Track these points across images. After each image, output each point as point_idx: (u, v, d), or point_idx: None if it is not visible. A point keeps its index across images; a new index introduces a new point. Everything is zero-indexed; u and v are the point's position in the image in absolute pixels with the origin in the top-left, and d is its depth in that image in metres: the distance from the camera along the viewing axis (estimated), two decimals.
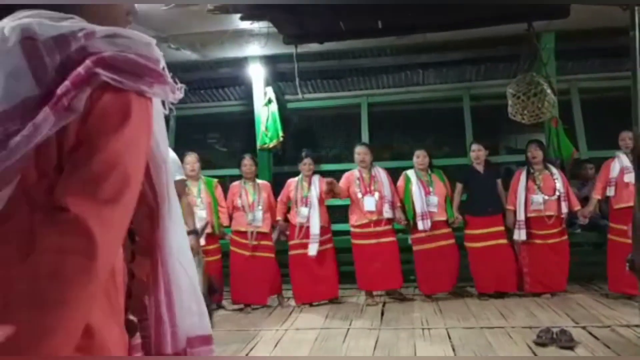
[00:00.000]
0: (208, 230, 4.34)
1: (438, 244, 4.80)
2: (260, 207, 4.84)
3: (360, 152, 4.92)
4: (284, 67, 5.61)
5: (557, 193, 4.70)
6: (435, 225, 4.77)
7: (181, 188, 3.02)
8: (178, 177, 2.86)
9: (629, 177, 4.43)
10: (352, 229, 4.89)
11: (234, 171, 5.43)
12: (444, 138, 5.12)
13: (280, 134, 5.49)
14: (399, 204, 4.88)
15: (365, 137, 6.01)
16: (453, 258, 4.83)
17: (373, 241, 4.80)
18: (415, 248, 4.87)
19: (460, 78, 5.85)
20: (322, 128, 6.54)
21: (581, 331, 3.69)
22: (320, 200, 4.83)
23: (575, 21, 4.31)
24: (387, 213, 4.79)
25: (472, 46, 5.33)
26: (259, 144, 5.59)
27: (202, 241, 4.21)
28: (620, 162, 4.58)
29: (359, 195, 4.81)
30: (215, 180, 5.00)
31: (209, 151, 6.52)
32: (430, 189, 4.83)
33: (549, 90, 3.33)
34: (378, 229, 4.79)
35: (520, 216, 4.70)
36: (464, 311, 4.42)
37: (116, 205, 0.64)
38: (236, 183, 5.02)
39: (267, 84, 5.62)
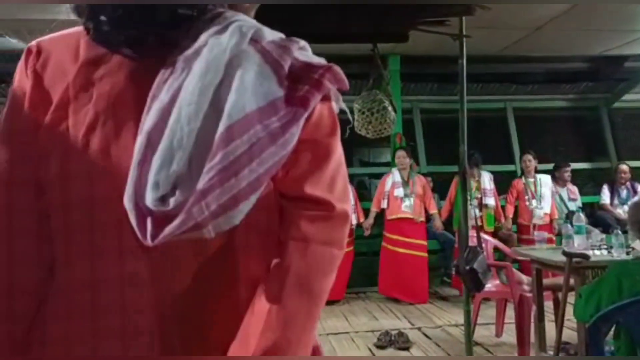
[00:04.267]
0: None
1: None
2: None
3: None
4: None
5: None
6: None
7: None
8: None
9: (398, 192, 5.01)
10: None
11: None
12: None
13: None
14: None
15: None
16: None
17: None
18: None
19: None
20: None
21: (416, 332, 3.98)
22: None
23: (418, 47, 4.71)
24: None
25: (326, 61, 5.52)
26: None
27: None
28: (393, 177, 5.11)
29: None
30: None
31: None
32: None
33: (390, 108, 3.56)
34: None
35: None
36: None
37: (348, 204, 0.70)
38: None
39: None
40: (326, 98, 0.67)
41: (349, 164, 6.53)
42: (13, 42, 4.47)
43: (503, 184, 5.64)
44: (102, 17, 0.64)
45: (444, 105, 6.29)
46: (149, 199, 0.57)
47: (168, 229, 0.57)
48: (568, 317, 2.77)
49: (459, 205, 5.19)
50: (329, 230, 0.67)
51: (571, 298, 2.58)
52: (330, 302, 5.03)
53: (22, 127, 0.67)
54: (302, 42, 0.68)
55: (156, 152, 0.58)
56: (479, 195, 5.17)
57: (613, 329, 1.93)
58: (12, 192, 0.66)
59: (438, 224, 5.22)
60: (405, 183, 5.06)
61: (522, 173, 5.51)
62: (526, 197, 5.29)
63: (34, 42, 0.71)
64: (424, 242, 5.04)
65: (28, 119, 0.67)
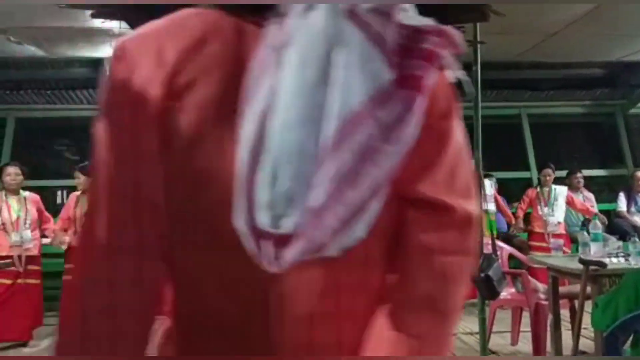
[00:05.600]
0: None
1: None
2: (27, 225, 4.12)
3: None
4: None
5: None
6: None
7: None
8: None
9: None
10: None
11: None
12: None
13: None
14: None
15: None
16: None
17: None
18: None
19: None
20: None
21: None
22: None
23: None
24: None
25: None
26: None
27: None
28: None
29: None
30: None
31: (57, 159, 5.86)
32: None
33: None
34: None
35: None
36: None
37: (472, 202, 0.60)
38: None
39: None
40: (445, 73, 0.57)
41: None
42: (32, 50, 4.57)
43: (518, 191, 5.59)
44: None
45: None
46: (262, 221, 0.50)
47: (290, 255, 0.51)
48: (585, 325, 2.73)
49: None
50: (453, 238, 0.59)
51: (588, 306, 2.54)
52: None
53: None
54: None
55: (260, 168, 0.51)
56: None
57: (631, 337, 1.89)
58: (140, 211, 0.57)
59: None
60: None
61: (539, 183, 5.47)
62: (538, 206, 5.24)
63: (118, 44, 0.60)
64: None
65: (122, 133, 0.59)
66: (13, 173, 4.11)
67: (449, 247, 0.58)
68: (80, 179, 4.24)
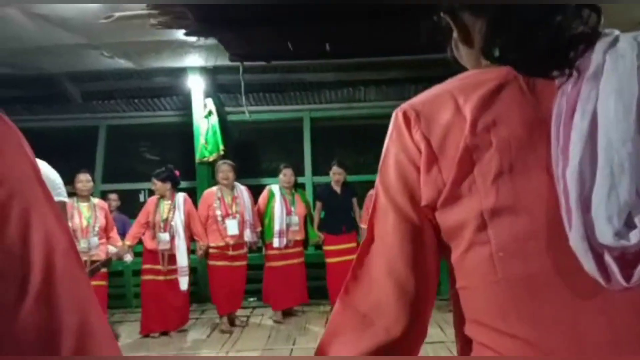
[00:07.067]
0: None
1: (289, 262, 4.77)
2: (96, 232, 4.25)
3: (224, 169, 4.67)
4: (225, 78, 5.47)
5: None
6: (290, 244, 4.77)
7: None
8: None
9: None
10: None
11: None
12: None
13: (221, 147, 5.33)
14: (259, 228, 4.76)
15: (307, 151, 5.99)
16: (303, 275, 4.94)
17: (227, 263, 4.58)
18: (267, 265, 4.84)
19: (400, 96, 5.97)
20: (264, 141, 6.44)
21: None
22: (187, 225, 4.45)
23: None
24: (247, 237, 4.63)
25: (411, 66, 5.50)
26: (198, 157, 5.39)
27: None
28: None
29: (220, 218, 4.56)
30: None
31: (143, 163, 6.23)
32: (292, 209, 4.80)
33: None
34: (235, 252, 4.60)
35: None
36: None
37: None
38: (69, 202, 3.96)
39: (207, 95, 5.44)
40: None
41: None
42: (121, 62, 4.87)
43: None
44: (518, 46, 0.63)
45: None
46: (606, 236, 0.52)
47: None
48: None
49: None
50: None
51: None
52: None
53: (418, 194, 0.65)
54: None
55: (595, 184, 0.54)
56: None
57: None
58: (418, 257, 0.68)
59: None
60: None
61: None
62: None
63: (407, 108, 0.68)
64: None
65: (426, 183, 0.64)
66: (84, 180, 4.24)
67: None
68: (156, 185, 4.46)
